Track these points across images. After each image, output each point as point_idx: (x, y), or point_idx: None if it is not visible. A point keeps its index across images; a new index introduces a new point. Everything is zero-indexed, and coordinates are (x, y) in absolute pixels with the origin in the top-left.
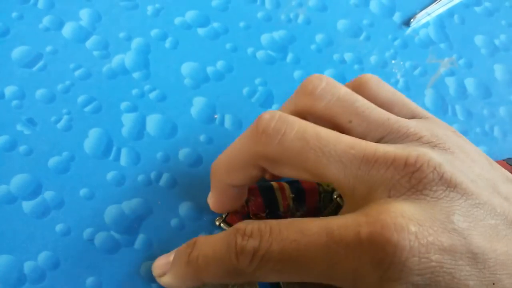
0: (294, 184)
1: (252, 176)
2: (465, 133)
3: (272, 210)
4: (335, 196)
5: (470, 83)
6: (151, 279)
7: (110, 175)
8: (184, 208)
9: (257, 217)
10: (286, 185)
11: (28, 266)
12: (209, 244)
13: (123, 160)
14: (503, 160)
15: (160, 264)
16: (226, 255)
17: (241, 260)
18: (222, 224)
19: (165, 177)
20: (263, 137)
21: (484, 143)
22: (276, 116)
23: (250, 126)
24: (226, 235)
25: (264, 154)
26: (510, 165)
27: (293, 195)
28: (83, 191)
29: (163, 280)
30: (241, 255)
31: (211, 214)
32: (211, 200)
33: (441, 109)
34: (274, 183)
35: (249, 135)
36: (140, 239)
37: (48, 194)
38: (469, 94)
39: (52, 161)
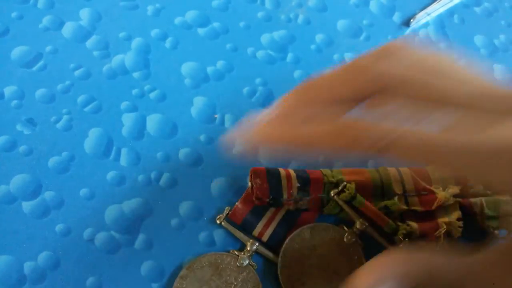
0: (301, 173)
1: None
2: None
3: (275, 197)
4: (332, 194)
5: None
6: (152, 279)
7: (110, 175)
8: (184, 207)
9: (259, 201)
10: (293, 174)
11: (28, 266)
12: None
13: (123, 160)
14: None
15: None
16: None
17: None
18: (223, 223)
19: (165, 177)
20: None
21: None
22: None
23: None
24: None
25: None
26: None
27: (299, 185)
28: (83, 191)
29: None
30: None
31: (210, 212)
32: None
33: None
34: (281, 170)
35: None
36: (140, 239)
37: (48, 194)
38: None
39: (52, 161)
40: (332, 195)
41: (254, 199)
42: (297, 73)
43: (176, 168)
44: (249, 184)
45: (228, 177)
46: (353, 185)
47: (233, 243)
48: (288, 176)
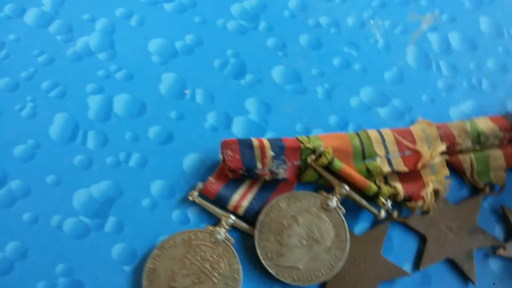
0: (276, 142)
1: None
2: (451, 88)
3: (249, 168)
4: (309, 161)
5: (454, 38)
6: (124, 261)
7: (77, 160)
8: (155, 187)
9: (232, 173)
10: (267, 143)
11: None
12: None
13: (90, 143)
14: (500, 115)
15: None
16: None
17: None
18: (196, 199)
19: (134, 157)
20: None
21: (472, 97)
22: None
23: None
24: None
25: None
26: (507, 120)
27: (273, 153)
28: (50, 178)
29: None
30: None
31: (183, 190)
32: None
33: (425, 65)
34: (254, 140)
35: None
36: (110, 222)
37: (14, 184)
38: (454, 48)
39: (17, 150)
40: (309, 161)
41: (227, 171)
42: (270, 42)
43: (146, 147)
44: (221, 156)
45: (201, 153)
46: (330, 150)
47: (208, 219)
48: (262, 146)
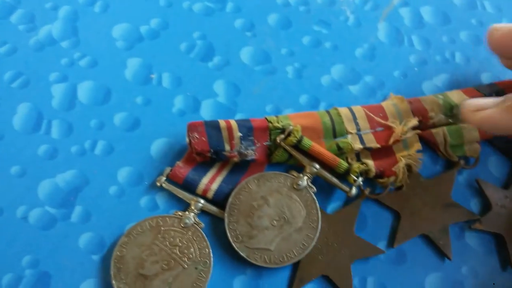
0: (243, 122)
1: None
2: (423, 62)
3: (217, 150)
4: (278, 141)
5: (426, 12)
6: (91, 250)
7: (41, 149)
8: (122, 174)
9: (200, 156)
10: (234, 124)
11: None
12: None
13: (55, 133)
14: (472, 87)
15: (476, 103)
16: None
17: None
18: (164, 184)
19: (100, 144)
20: None
21: (446, 70)
22: None
23: None
24: None
25: None
26: (480, 91)
27: (241, 134)
28: (14, 169)
29: (484, 114)
30: None
31: (152, 176)
32: (486, 115)
33: (396, 41)
34: (221, 121)
35: None
36: (77, 211)
37: None
38: (426, 22)
39: None
40: (278, 141)
41: (194, 155)
42: (238, 23)
43: (112, 135)
44: (187, 139)
45: (169, 138)
46: (298, 128)
47: (178, 205)
48: (229, 127)
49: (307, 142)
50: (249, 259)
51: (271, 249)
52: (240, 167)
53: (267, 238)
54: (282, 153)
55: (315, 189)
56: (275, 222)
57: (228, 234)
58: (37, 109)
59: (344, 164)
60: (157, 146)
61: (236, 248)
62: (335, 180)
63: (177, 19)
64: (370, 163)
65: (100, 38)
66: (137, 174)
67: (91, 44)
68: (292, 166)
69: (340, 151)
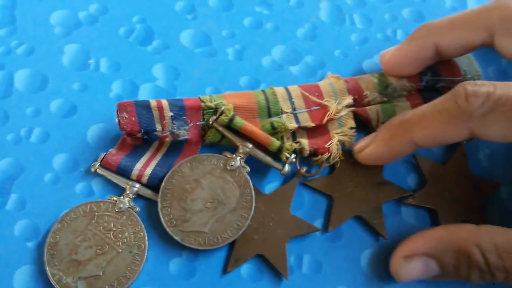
0: (175, 102)
1: (470, 41)
2: (365, 40)
3: (148, 130)
4: (211, 122)
5: None
6: (26, 238)
7: None
8: (58, 161)
9: (131, 137)
10: (165, 103)
11: None
12: (426, 106)
13: None
14: None
15: (360, 144)
16: (450, 102)
17: (472, 101)
18: (98, 170)
19: (36, 132)
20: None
21: (387, 48)
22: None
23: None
24: (450, 92)
25: (507, 17)
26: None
27: (172, 113)
28: None
29: (365, 152)
30: (472, 97)
31: (88, 162)
32: (391, 53)
33: (338, 20)
34: (152, 101)
35: (495, 1)
36: (12, 199)
37: None
38: (368, 1)
39: None
40: (210, 121)
41: (125, 136)
42: (178, 5)
43: (48, 122)
44: (116, 120)
45: (105, 123)
46: (230, 107)
47: (114, 190)
48: (160, 106)
49: (239, 121)
50: (183, 243)
51: (205, 231)
52: (175, 150)
53: (201, 220)
54: (215, 134)
55: (248, 168)
56: (208, 204)
57: (162, 219)
58: None
59: (276, 143)
60: (93, 132)
61: (170, 233)
62: (268, 158)
63: (116, 4)
64: (304, 141)
65: (37, 25)
66: (73, 161)
67: (29, 32)
68: (227, 146)
69: (274, 131)
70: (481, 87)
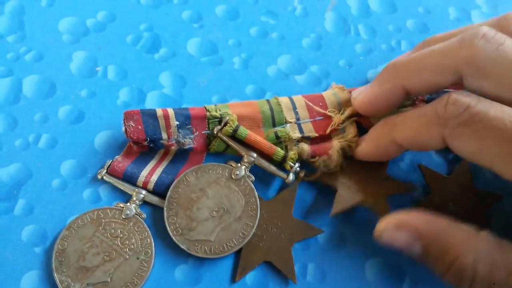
0: (181, 111)
1: (438, 83)
2: (369, 51)
3: (154, 138)
4: (215, 132)
5: (373, 1)
6: (34, 243)
7: None
8: (66, 167)
9: (138, 145)
10: (171, 112)
11: None
12: (412, 109)
13: None
14: None
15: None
16: (431, 107)
17: (449, 109)
18: (105, 177)
19: (44, 138)
20: (481, 41)
21: (391, 59)
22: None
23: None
24: (437, 98)
25: (473, 59)
26: None
27: (178, 123)
28: None
29: (358, 149)
30: (451, 105)
31: (95, 169)
32: (362, 95)
33: (343, 30)
34: (158, 110)
35: (459, 41)
36: (20, 204)
37: None
38: (373, 11)
39: None
40: (215, 131)
41: (131, 144)
42: (185, 14)
43: (56, 128)
44: (123, 128)
45: (113, 130)
46: (234, 117)
47: (121, 197)
48: (166, 115)
49: (243, 131)
50: (189, 251)
51: (211, 240)
52: (180, 157)
53: (207, 229)
54: (219, 143)
55: (253, 177)
56: (214, 213)
57: (168, 227)
58: None
59: (280, 152)
60: (101, 139)
61: (176, 241)
62: (272, 167)
63: (124, 11)
64: (305, 146)
65: (46, 32)
66: (80, 167)
67: (37, 38)
68: (232, 155)
69: (278, 140)
70: (464, 98)
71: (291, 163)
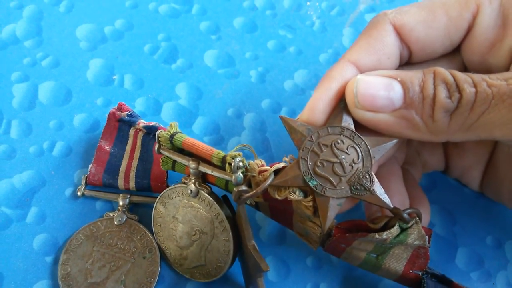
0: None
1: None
2: None
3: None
4: (157, 150)
5: None
6: (45, 252)
7: (0, 149)
8: (79, 176)
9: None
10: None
11: None
12: None
13: (14, 132)
14: None
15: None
16: None
17: None
18: (85, 192)
19: (58, 145)
20: None
21: None
22: None
23: None
24: None
25: None
26: None
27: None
28: None
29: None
30: None
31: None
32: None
33: None
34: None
35: None
36: (32, 212)
37: None
38: None
39: None
40: (156, 150)
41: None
42: (203, 25)
43: (71, 136)
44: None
45: None
46: (175, 123)
47: (132, 207)
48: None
49: (180, 137)
50: (194, 279)
51: (204, 264)
52: (147, 155)
53: (195, 254)
54: (166, 160)
55: (209, 188)
56: (193, 237)
57: (169, 261)
58: None
59: (219, 154)
60: None
61: (181, 273)
62: (216, 172)
63: (142, 20)
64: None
65: (63, 38)
66: None
67: (55, 44)
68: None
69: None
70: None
71: (231, 162)
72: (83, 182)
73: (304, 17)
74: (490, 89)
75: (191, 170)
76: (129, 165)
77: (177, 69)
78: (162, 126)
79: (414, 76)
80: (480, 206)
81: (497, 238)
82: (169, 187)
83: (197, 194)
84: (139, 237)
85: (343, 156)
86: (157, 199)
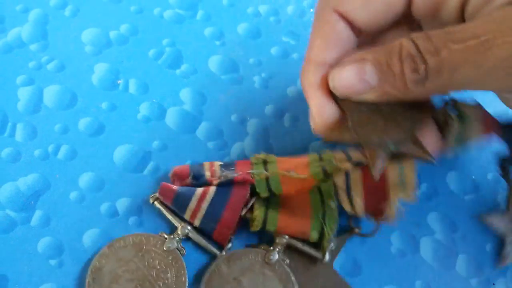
0: (227, 163)
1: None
2: None
3: (196, 175)
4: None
5: None
6: (49, 255)
7: (5, 152)
8: (84, 179)
9: (181, 183)
10: (217, 163)
11: None
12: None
13: (19, 136)
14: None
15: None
16: None
17: None
18: (156, 202)
19: (63, 149)
20: None
21: None
22: None
23: None
24: None
25: None
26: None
27: (222, 163)
28: None
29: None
30: None
31: (113, 183)
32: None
33: None
34: (206, 163)
35: None
36: (37, 215)
37: None
38: None
39: None
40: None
41: (172, 176)
42: (208, 31)
43: (76, 139)
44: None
45: (132, 144)
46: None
47: (136, 212)
48: (211, 163)
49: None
50: None
51: None
52: (224, 191)
53: None
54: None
55: (288, 260)
56: None
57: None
58: (3, 111)
59: (314, 235)
60: (120, 152)
61: None
62: (306, 247)
63: (147, 25)
64: (358, 204)
65: (69, 42)
66: (98, 180)
67: (60, 48)
68: (266, 238)
69: (326, 176)
70: None
71: (327, 243)
72: (158, 193)
73: (307, 24)
74: (451, 55)
75: (278, 240)
76: (203, 195)
77: (182, 74)
78: (214, 178)
79: (380, 54)
80: (480, 213)
81: (497, 246)
82: (243, 249)
83: (275, 263)
84: (176, 273)
85: None
86: (222, 256)
